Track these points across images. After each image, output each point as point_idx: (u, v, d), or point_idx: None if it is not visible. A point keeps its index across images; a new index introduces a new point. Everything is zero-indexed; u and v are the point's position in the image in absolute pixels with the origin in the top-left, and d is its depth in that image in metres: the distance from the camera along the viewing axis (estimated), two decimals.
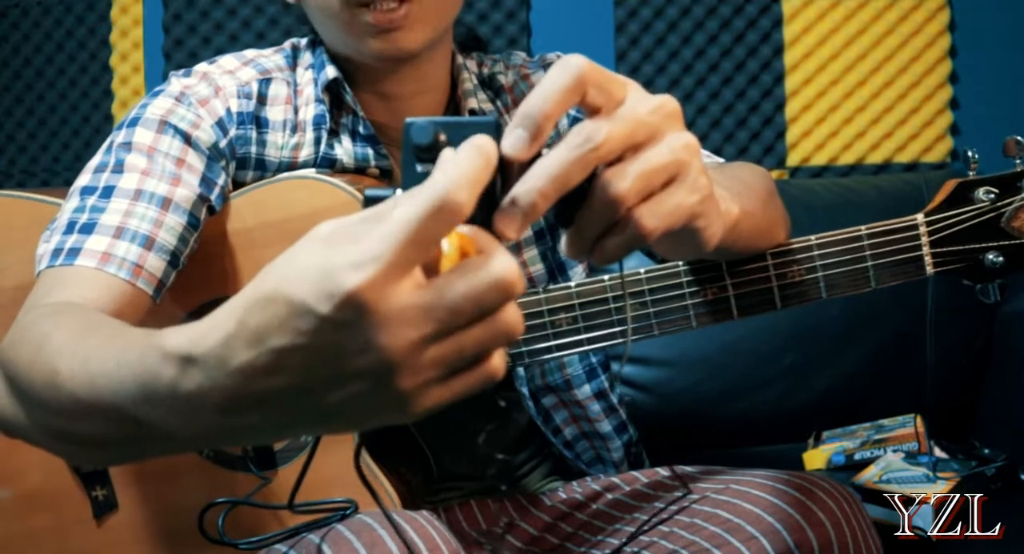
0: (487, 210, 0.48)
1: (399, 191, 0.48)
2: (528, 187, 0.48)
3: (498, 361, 0.46)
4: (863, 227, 0.83)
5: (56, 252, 0.84)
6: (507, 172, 0.49)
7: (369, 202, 0.48)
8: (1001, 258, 0.83)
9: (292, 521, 0.93)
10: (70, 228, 0.85)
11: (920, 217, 0.84)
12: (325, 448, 0.92)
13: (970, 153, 0.85)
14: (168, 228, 0.88)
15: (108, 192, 0.88)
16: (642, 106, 0.51)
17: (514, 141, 0.48)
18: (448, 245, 0.45)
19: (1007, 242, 0.83)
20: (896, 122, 1.85)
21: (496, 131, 0.48)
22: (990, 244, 0.83)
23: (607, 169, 0.51)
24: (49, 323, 0.72)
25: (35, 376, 0.64)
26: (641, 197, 0.51)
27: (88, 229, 0.85)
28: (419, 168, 0.48)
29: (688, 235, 0.56)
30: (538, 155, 0.50)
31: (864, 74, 1.85)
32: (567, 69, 0.49)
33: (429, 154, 0.48)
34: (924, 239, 0.83)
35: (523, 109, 0.48)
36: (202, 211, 0.92)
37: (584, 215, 0.52)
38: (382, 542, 0.74)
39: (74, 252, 0.83)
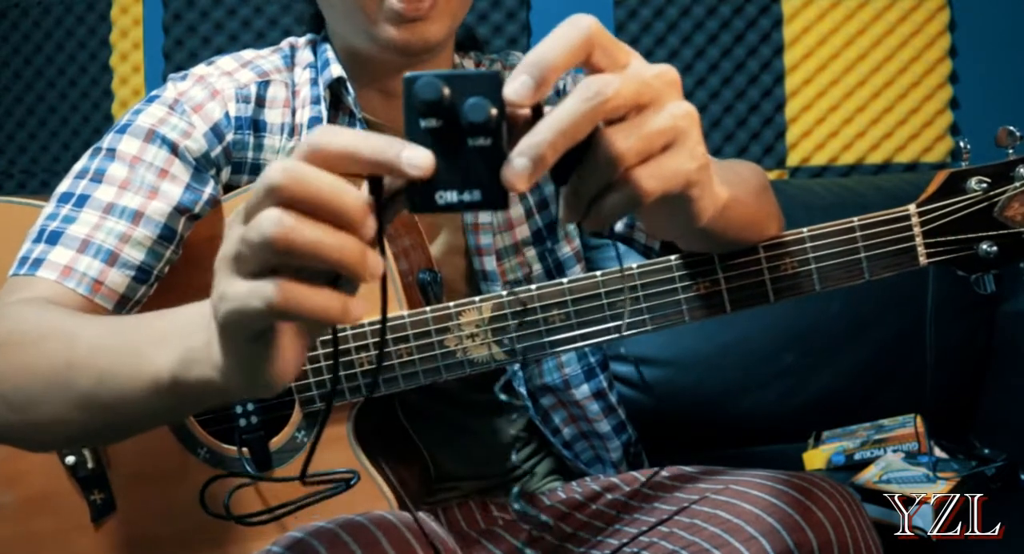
0: (493, 165, 0.48)
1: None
2: (538, 139, 0.48)
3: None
4: (855, 218, 0.83)
5: (23, 260, 0.86)
6: (512, 126, 0.50)
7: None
8: (995, 248, 0.83)
9: (289, 519, 0.93)
10: (40, 236, 0.87)
11: (912, 208, 0.84)
12: (321, 448, 0.92)
13: (962, 143, 0.86)
14: (136, 243, 0.89)
15: (82, 201, 0.89)
16: (646, 70, 0.52)
17: (518, 87, 0.48)
18: None
19: (1001, 232, 0.83)
20: (896, 122, 1.85)
21: (498, 84, 0.48)
22: (983, 234, 0.83)
23: (609, 127, 0.51)
24: (28, 309, 0.78)
25: (35, 346, 0.69)
26: (641, 158, 0.51)
27: (55, 239, 0.87)
28: (423, 123, 0.48)
29: (680, 205, 0.57)
30: (538, 111, 0.50)
31: (864, 74, 1.85)
32: (576, 27, 0.50)
33: (434, 109, 0.48)
34: (917, 230, 0.83)
35: (529, 58, 0.49)
36: (179, 222, 0.92)
37: (582, 173, 0.52)
38: (378, 543, 0.74)
39: (38, 262, 0.85)
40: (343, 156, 0.49)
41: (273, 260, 0.49)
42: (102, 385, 0.64)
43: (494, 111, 0.48)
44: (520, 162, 0.48)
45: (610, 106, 0.49)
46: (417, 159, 0.48)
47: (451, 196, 0.49)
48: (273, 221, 0.47)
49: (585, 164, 0.52)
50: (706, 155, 0.55)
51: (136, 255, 0.89)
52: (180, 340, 0.59)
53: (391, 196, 0.51)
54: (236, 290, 0.50)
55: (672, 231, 0.72)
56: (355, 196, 0.49)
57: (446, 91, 0.47)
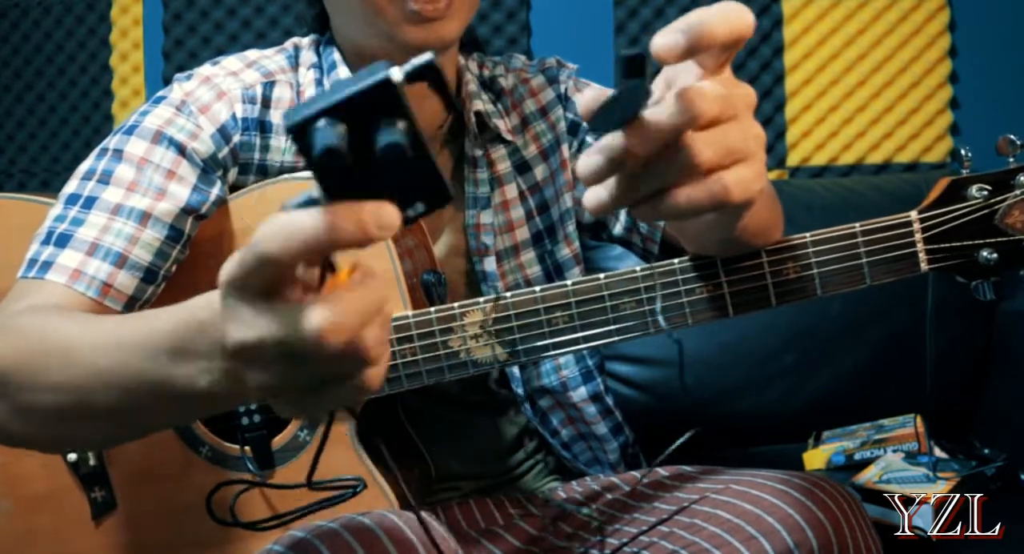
0: (421, 171, 0.47)
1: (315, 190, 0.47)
2: (618, 143, 0.51)
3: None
4: (857, 224, 0.83)
5: (31, 262, 0.86)
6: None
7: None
8: (995, 255, 0.83)
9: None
10: (48, 238, 0.87)
11: (914, 214, 0.84)
12: (326, 446, 0.92)
13: (963, 151, 0.86)
14: (144, 244, 0.89)
15: (90, 203, 0.89)
16: (733, 87, 0.55)
17: (669, 42, 0.50)
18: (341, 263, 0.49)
19: (1001, 239, 0.83)
20: (896, 122, 1.85)
21: (389, 92, 0.44)
22: (984, 241, 0.83)
23: (696, 132, 0.53)
24: (35, 317, 0.77)
25: (34, 360, 0.69)
26: (719, 167, 0.54)
27: (64, 242, 0.87)
28: (334, 166, 0.44)
29: (733, 215, 0.61)
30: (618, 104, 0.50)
31: (864, 74, 1.85)
32: (743, 18, 0.52)
33: (339, 157, 0.44)
34: (918, 236, 0.83)
35: (690, 19, 0.50)
36: (187, 223, 0.92)
37: (654, 168, 0.54)
38: (379, 542, 0.74)
39: (47, 265, 0.85)
40: (306, 254, 0.46)
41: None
42: (124, 404, 0.64)
43: (401, 129, 0.44)
44: (595, 157, 0.51)
45: (700, 122, 0.52)
46: (387, 219, 0.46)
47: (413, 210, 0.48)
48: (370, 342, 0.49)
49: (661, 161, 0.53)
50: (766, 179, 0.58)
51: (144, 256, 0.89)
52: (203, 363, 0.57)
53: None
54: (326, 400, 0.52)
55: (702, 236, 0.76)
56: (383, 291, 0.49)
57: (338, 135, 0.44)
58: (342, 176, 0.45)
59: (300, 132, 0.44)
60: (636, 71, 0.47)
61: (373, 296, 0.48)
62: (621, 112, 0.50)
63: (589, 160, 0.52)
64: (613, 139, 0.51)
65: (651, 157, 0.53)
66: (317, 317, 0.46)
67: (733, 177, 0.54)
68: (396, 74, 0.44)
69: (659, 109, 0.51)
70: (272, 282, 0.48)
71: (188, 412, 0.64)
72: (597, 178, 0.53)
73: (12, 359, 0.70)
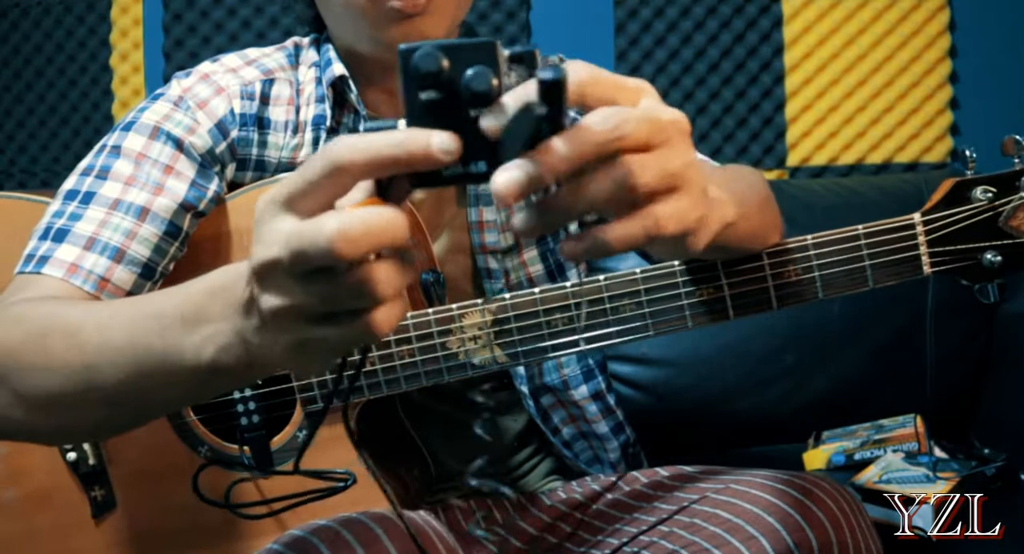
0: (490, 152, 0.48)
1: (401, 122, 0.48)
2: (540, 165, 0.48)
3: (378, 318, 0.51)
4: (860, 227, 0.83)
5: (29, 257, 0.86)
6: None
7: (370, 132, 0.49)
8: (999, 258, 0.83)
9: (290, 517, 0.93)
10: (46, 234, 0.87)
11: (917, 216, 0.83)
12: (323, 448, 0.92)
13: (968, 152, 0.85)
14: (142, 239, 0.89)
15: (88, 198, 0.89)
16: (662, 113, 0.51)
17: (507, 188, 0.48)
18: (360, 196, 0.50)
19: (1006, 241, 0.83)
20: (896, 122, 1.85)
21: (493, 52, 0.47)
22: (988, 243, 0.83)
23: (630, 156, 0.50)
24: (34, 304, 0.77)
25: (35, 342, 0.69)
26: (653, 195, 0.51)
27: (61, 236, 0.87)
28: (422, 96, 0.47)
29: (679, 241, 0.56)
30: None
31: (864, 74, 1.85)
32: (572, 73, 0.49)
33: (434, 81, 0.47)
34: (921, 239, 0.83)
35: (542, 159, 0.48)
36: (185, 219, 0.92)
37: (591, 189, 0.51)
38: (379, 541, 0.74)
39: (44, 260, 0.85)
40: (375, 165, 0.48)
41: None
42: (130, 382, 0.64)
43: (495, 81, 0.46)
44: (514, 172, 0.47)
45: (627, 142, 0.49)
46: (447, 145, 0.47)
47: (456, 169, 0.48)
48: (369, 280, 0.49)
49: (594, 182, 0.50)
50: (707, 206, 0.55)
51: (142, 252, 0.89)
52: (207, 331, 0.58)
53: (390, 179, 0.50)
54: (326, 335, 0.52)
55: (666, 257, 0.73)
56: (401, 218, 0.49)
57: (445, 62, 0.46)
58: (428, 108, 0.47)
59: (407, 54, 0.47)
60: (554, 97, 0.46)
61: (387, 220, 0.48)
62: (532, 132, 0.48)
63: (507, 174, 0.48)
64: (533, 156, 0.48)
65: (583, 181, 0.50)
66: (331, 222, 0.47)
67: (667, 210, 0.51)
68: (500, 46, 0.48)
69: (586, 125, 0.49)
70: (320, 198, 0.49)
71: (192, 388, 0.63)
72: (519, 193, 0.49)
73: (12, 344, 0.70)
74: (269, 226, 0.50)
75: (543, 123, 0.47)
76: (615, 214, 0.51)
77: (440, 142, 0.47)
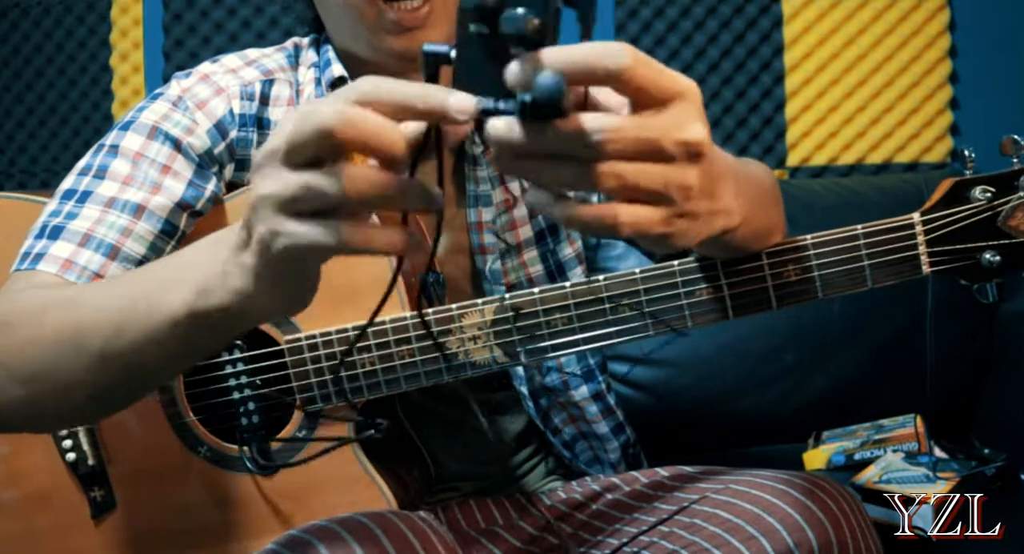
0: None
1: (453, 50, 0.51)
2: (524, 139, 0.49)
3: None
4: (859, 226, 0.83)
5: (24, 255, 0.87)
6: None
7: (427, 56, 0.52)
8: (998, 257, 0.83)
9: (289, 517, 0.93)
10: (42, 232, 0.88)
11: (916, 216, 0.83)
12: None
13: (967, 152, 0.85)
14: (137, 237, 0.89)
15: (84, 197, 0.90)
16: (682, 132, 0.52)
17: (511, 74, 0.49)
18: None
19: (1004, 241, 0.83)
20: (896, 122, 1.85)
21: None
22: (987, 243, 0.83)
23: (616, 160, 0.51)
24: (34, 290, 0.79)
25: (37, 319, 0.71)
26: (623, 199, 0.53)
27: (56, 234, 0.87)
28: (472, 27, 0.50)
29: (649, 240, 0.57)
30: None
31: (864, 74, 1.85)
32: (603, 56, 0.49)
33: (481, 15, 0.49)
34: (920, 238, 0.83)
35: (548, 55, 0.48)
36: (181, 218, 0.92)
37: (563, 170, 0.52)
38: (378, 541, 0.74)
39: (39, 257, 0.86)
40: (395, 106, 0.51)
41: (339, 206, 0.52)
42: (117, 339, 0.65)
43: (536, 22, 0.48)
44: (502, 132, 0.50)
45: (602, 156, 0.50)
46: (462, 104, 0.49)
47: (488, 102, 0.50)
48: (351, 177, 0.51)
49: (561, 161, 0.51)
50: (688, 226, 0.56)
51: (137, 249, 0.89)
52: (191, 275, 0.61)
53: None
54: (299, 229, 0.53)
55: (656, 250, 0.74)
56: (399, 133, 0.51)
57: (492, 1, 0.48)
58: (475, 40, 0.50)
59: None
60: (552, 113, 0.48)
61: (384, 124, 0.51)
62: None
63: (500, 124, 0.50)
64: (512, 125, 0.50)
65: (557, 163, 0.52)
66: (333, 105, 0.50)
67: (630, 213, 0.52)
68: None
69: (581, 124, 0.49)
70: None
71: (172, 344, 0.64)
72: (498, 144, 0.51)
73: (8, 318, 0.73)
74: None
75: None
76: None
77: (457, 101, 0.50)
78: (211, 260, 0.60)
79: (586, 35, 0.50)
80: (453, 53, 0.51)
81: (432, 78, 0.52)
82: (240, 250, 0.57)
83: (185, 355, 0.68)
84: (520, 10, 0.47)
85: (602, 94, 0.53)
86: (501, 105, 0.50)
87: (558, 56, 0.48)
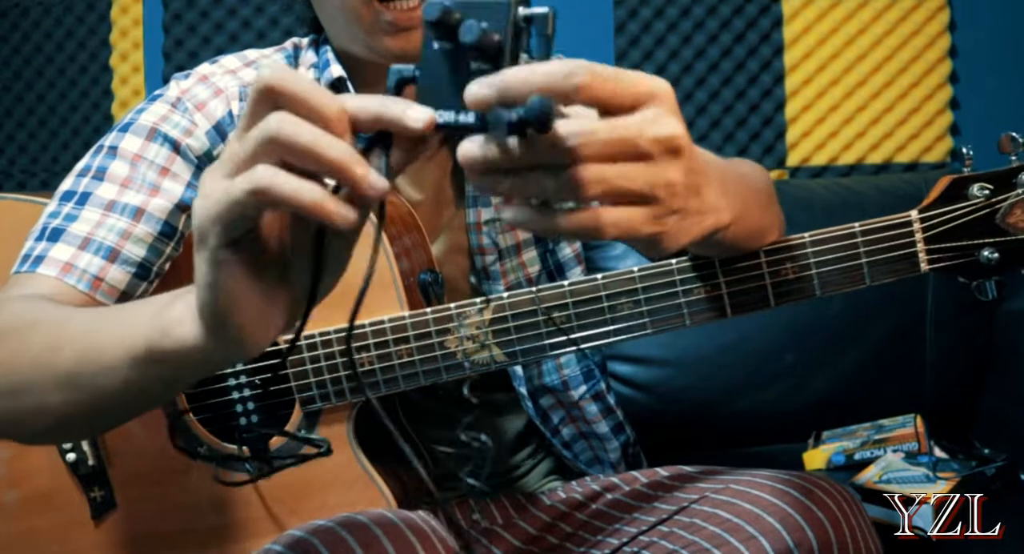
0: None
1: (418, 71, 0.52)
2: (500, 153, 0.50)
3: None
4: (857, 224, 0.83)
5: (24, 258, 0.87)
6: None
7: (393, 75, 0.53)
8: (997, 255, 0.83)
9: (288, 517, 0.93)
10: (42, 234, 0.88)
11: (914, 214, 0.84)
12: None
13: (965, 150, 0.85)
14: (136, 239, 0.89)
15: (84, 199, 0.90)
16: (656, 129, 0.52)
17: (473, 94, 0.49)
18: None
19: (1003, 239, 0.83)
20: (896, 122, 1.85)
21: (505, 11, 0.50)
22: (985, 241, 0.83)
23: (596, 162, 0.51)
24: (27, 305, 0.79)
25: (23, 333, 0.70)
26: (607, 201, 0.52)
27: (56, 236, 0.87)
28: (435, 45, 0.52)
29: (647, 243, 0.57)
30: None
31: (864, 74, 1.85)
32: (567, 74, 0.49)
33: (441, 31, 0.51)
34: (918, 236, 0.83)
35: (509, 74, 0.49)
36: (180, 219, 0.92)
37: (543, 179, 0.52)
38: (377, 541, 0.74)
39: (39, 260, 0.86)
40: (356, 118, 0.51)
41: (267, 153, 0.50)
42: (82, 363, 0.64)
43: (496, 37, 0.50)
44: (474, 150, 0.50)
45: (587, 156, 0.50)
46: (419, 112, 0.50)
47: (448, 116, 0.51)
48: (279, 120, 0.49)
49: (547, 174, 0.51)
50: (675, 224, 0.56)
51: (137, 251, 0.89)
52: (156, 312, 0.59)
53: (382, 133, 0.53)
54: (220, 185, 0.50)
55: (649, 254, 0.75)
56: (342, 144, 0.50)
57: (456, 15, 0.50)
58: (438, 56, 0.52)
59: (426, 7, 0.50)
60: (540, 130, 0.48)
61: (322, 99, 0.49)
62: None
63: (470, 146, 0.51)
64: (483, 143, 0.51)
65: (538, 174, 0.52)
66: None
67: (613, 216, 0.52)
68: (516, 6, 0.52)
69: (555, 134, 0.50)
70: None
71: (128, 375, 0.62)
72: (471, 164, 0.51)
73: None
74: None
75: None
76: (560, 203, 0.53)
77: (415, 111, 0.50)
78: (184, 297, 0.58)
79: (546, 53, 0.52)
80: (418, 73, 0.53)
81: (397, 95, 0.53)
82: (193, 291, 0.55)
83: (143, 391, 0.66)
84: (481, 23, 0.49)
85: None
86: (461, 118, 0.51)
87: (517, 77, 0.49)
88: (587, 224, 0.52)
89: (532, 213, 0.53)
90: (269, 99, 0.49)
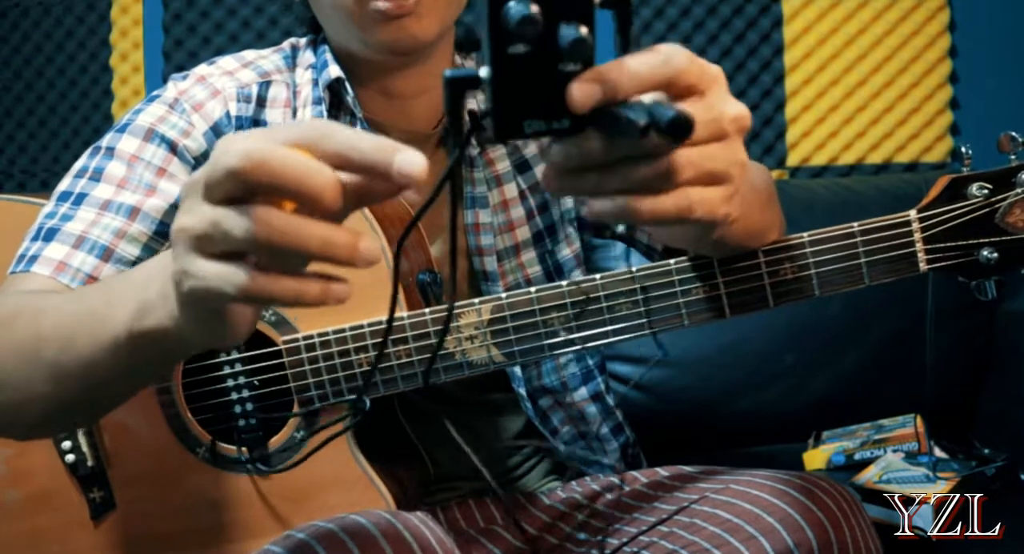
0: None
1: (483, 70, 0.48)
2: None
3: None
4: (856, 224, 0.83)
5: (20, 257, 0.87)
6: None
7: (450, 83, 0.49)
8: (996, 254, 0.83)
9: (288, 518, 0.93)
10: (37, 234, 0.88)
11: (913, 213, 0.83)
12: (323, 451, 0.92)
13: (964, 149, 0.85)
14: (131, 239, 0.89)
15: (80, 200, 0.90)
16: (729, 109, 0.53)
17: (582, 95, 0.48)
18: None
19: (1002, 238, 0.83)
20: (896, 122, 1.85)
21: (591, 5, 0.48)
22: (984, 240, 0.83)
23: (680, 148, 0.52)
24: (16, 295, 0.80)
25: (8, 327, 0.70)
26: (694, 184, 0.53)
27: (51, 236, 0.88)
28: (510, 50, 0.47)
29: (703, 227, 0.58)
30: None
31: (864, 74, 1.85)
32: (666, 62, 0.51)
33: (525, 34, 0.46)
34: (917, 235, 0.83)
35: (608, 69, 0.49)
36: None
37: (631, 170, 0.52)
38: (376, 543, 0.74)
39: (33, 259, 0.86)
40: (336, 156, 0.49)
41: (248, 251, 0.49)
42: (66, 351, 0.65)
43: (591, 38, 0.47)
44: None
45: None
46: (408, 166, 0.47)
47: (539, 124, 0.48)
48: (259, 220, 0.48)
49: (633, 163, 0.51)
50: (741, 207, 0.57)
51: (131, 251, 0.89)
52: (135, 294, 0.59)
53: (470, 132, 0.51)
54: (203, 270, 0.50)
55: (679, 240, 0.76)
56: (326, 177, 0.48)
57: (535, 9, 0.46)
58: (517, 62, 0.47)
59: (496, 5, 0.46)
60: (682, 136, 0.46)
61: (305, 164, 0.48)
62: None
63: (559, 148, 0.50)
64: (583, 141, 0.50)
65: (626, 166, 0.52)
66: (241, 143, 0.48)
67: (700, 196, 0.53)
68: None
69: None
70: None
71: (118, 360, 0.62)
72: (562, 165, 0.51)
73: None
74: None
75: None
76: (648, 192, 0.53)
77: (402, 161, 0.48)
78: (160, 277, 0.58)
79: (625, 41, 0.52)
80: (483, 73, 0.48)
81: (455, 106, 0.49)
82: (174, 283, 0.55)
83: (131, 373, 0.66)
84: (582, 28, 0.47)
85: None
86: (555, 125, 0.48)
87: (628, 74, 0.49)
88: (681, 204, 0.53)
89: (624, 203, 0.52)
90: (246, 182, 0.48)
